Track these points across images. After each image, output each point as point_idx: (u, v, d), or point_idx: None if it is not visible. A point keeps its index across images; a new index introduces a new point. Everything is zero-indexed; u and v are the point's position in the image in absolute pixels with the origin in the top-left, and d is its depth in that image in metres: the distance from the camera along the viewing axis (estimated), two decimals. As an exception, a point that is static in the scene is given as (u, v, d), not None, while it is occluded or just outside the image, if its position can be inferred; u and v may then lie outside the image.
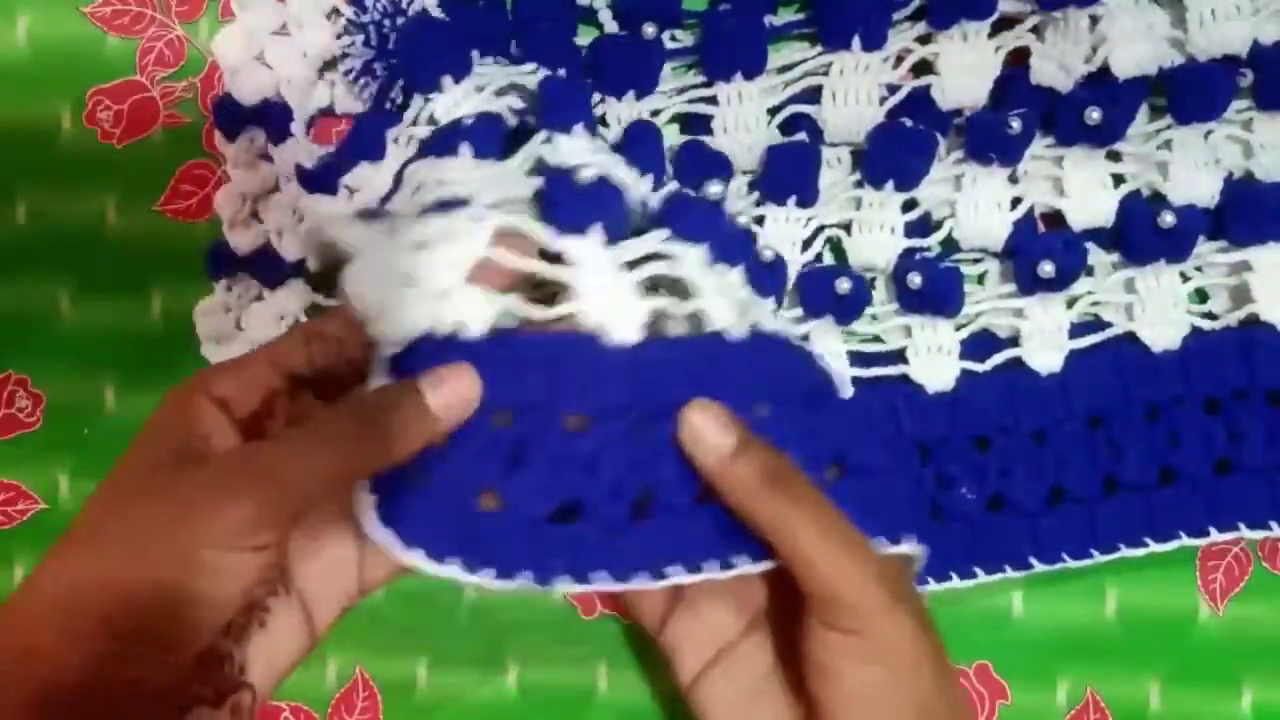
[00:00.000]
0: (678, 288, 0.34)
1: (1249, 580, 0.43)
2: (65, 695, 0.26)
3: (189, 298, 0.43)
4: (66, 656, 0.27)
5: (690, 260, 0.34)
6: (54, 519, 0.44)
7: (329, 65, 0.43)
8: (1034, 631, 0.43)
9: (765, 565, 0.32)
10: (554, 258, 0.33)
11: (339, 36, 0.42)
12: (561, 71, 0.40)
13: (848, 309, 0.41)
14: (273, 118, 0.42)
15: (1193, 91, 0.40)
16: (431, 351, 0.31)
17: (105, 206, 0.44)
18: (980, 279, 0.43)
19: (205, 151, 0.43)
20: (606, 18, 0.42)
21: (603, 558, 0.31)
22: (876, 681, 0.31)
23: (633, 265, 0.33)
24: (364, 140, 0.40)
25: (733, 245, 0.36)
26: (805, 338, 0.41)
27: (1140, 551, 0.41)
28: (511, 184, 0.35)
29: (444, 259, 0.31)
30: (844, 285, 0.40)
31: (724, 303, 0.34)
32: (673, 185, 0.38)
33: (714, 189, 0.36)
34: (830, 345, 0.41)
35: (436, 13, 0.40)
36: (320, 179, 0.40)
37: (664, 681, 0.43)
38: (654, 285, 0.34)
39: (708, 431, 0.31)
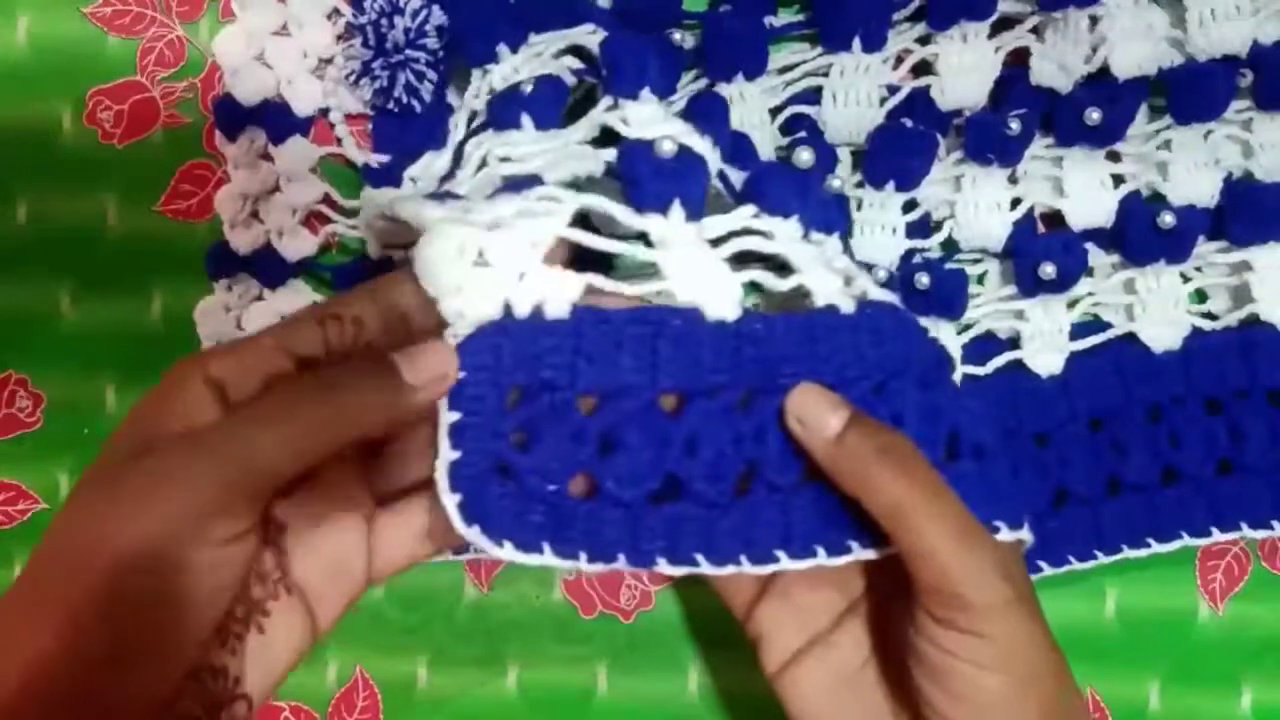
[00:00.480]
0: (773, 264, 0.32)
1: (1249, 580, 0.43)
2: None
3: (189, 298, 0.43)
4: (32, 689, 0.24)
5: (784, 234, 0.32)
6: (54, 519, 0.44)
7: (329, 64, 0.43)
8: (1034, 631, 0.43)
9: (876, 552, 0.31)
10: (635, 236, 0.31)
11: (339, 37, 0.42)
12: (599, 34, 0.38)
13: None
14: (273, 118, 0.42)
15: (1192, 92, 0.40)
16: (510, 332, 0.29)
17: (105, 207, 0.44)
18: (980, 279, 0.43)
19: (205, 152, 0.43)
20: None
21: (702, 540, 0.30)
22: (994, 688, 0.29)
23: (718, 242, 0.31)
24: (425, 131, 0.39)
25: (829, 212, 0.34)
26: None
27: (1143, 552, 0.41)
28: (580, 158, 0.33)
29: (521, 239, 0.29)
30: (879, 275, 0.40)
31: (827, 275, 0.32)
32: (759, 158, 0.36)
33: (804, 156, 0.34)
34: None
35: None
36: (383, 175, 0.40)
37: (664, 682, 0.43)
38: (745, 262, 0.32)
39: (816, 411, 0.30)
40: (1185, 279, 0.42)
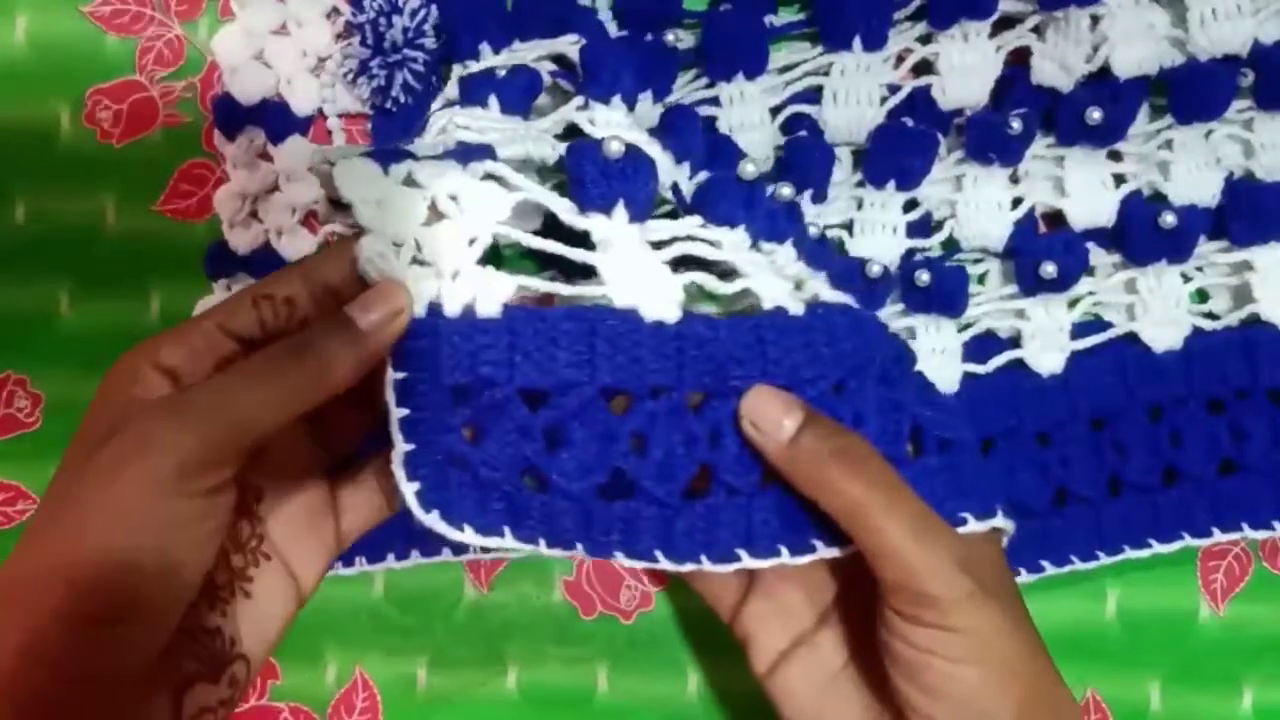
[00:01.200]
0: (719, 270, 0.33)
1: (1250, 580, 0.43)
2: (37, 691, 0.25)
3: (188, 297, 0.43)
4: (31, 654, 0.26)
5: (730, 243, 0.33)
6: (53, 519, 0.44)
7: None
8: (1034, 632, 0.43)
9: (840, 551, 0.31)
10: (577, 235, 0.32)
11: (338, 36, 0.42)
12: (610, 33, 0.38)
13: (878, 297, 0.41)
14: (272, 117, 0.42)
15: (1194, 91, 0.40)
16: (443, 331, 0.30)
17: (104, 206, 0.44)
18: (981, 279, 0.43)
19: (204, 151, 0.43)
20: (607, 18, 0.42)
21: (659, 538, 0.31)
22: (969, 680, 0.29)
23: (662, 245, 0.32)
24: (410, 123, 0.39)
25: (778, 222, 0.34)
26: None
27: (1144, 553, 0.41)
28: (536, 143, 0.33)
29: (457, 236, 0.30)
30: (875, 269, 0.40)
31: (775, 280, 0.32)
32: (704, 173, 0.36)
33: (749, 169, 0.34)
34: None
35: None
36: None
37: (664, 682, 0.43)
38: (690, 266, 0.33)
39: (770, 414, 0.30)
40: (1186, 279, 0.42)
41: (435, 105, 0.38)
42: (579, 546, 0.30)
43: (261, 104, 0.42)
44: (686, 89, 0.42)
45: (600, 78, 0.35)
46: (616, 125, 0.34)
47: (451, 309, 0.30)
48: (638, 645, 0.43)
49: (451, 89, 0.38)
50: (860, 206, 0.42)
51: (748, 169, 0.33)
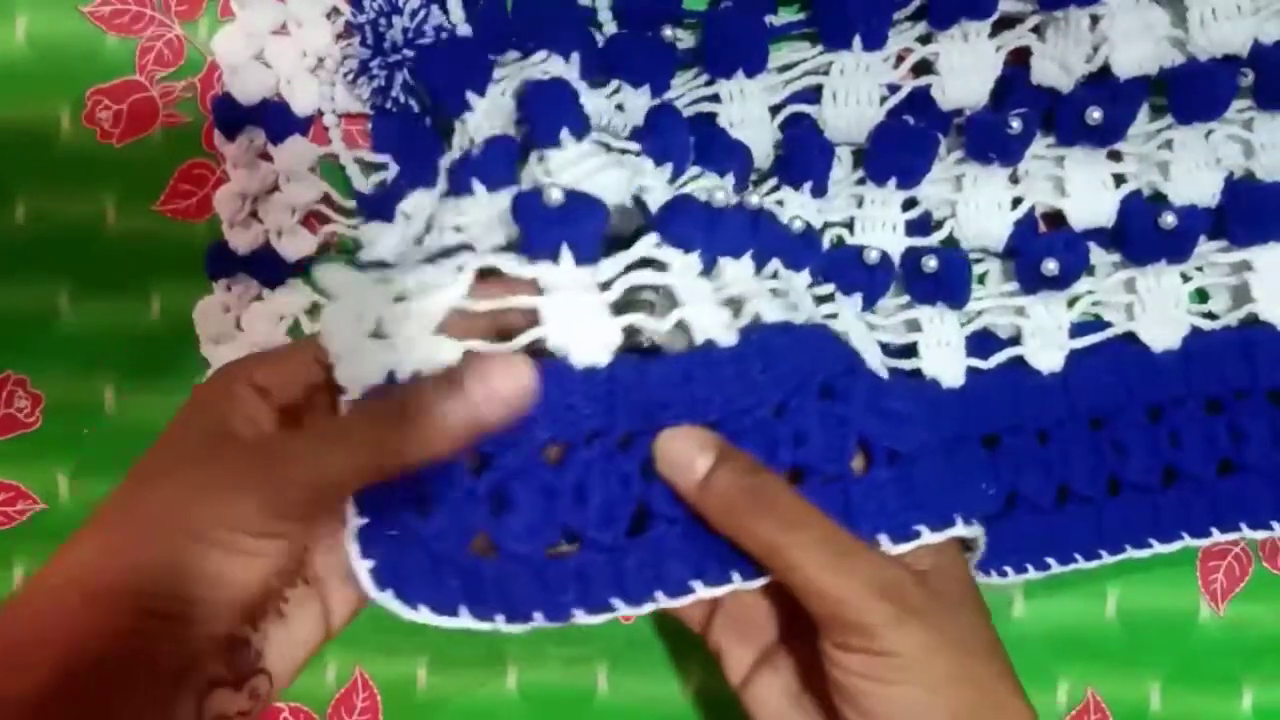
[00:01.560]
0: (665, 293, 0.33)
1: (1250, 580, 0.43)
2: (81, 671, 0.26)
3: (189, 298, 0.43)
4: (84, 633, 0.27)
5: (681, 265, 0.33)
6: (54, 519, 0.44)
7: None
8: (1034, 631, 0.43)
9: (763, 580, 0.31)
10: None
11: (339, 36, 0.42)
12: (551, 64, 0.38)
13: (878, 285, 0.41)
14: (272, 117, 0.42)
15: (1194, 91, 0.40)
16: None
17: (105, 206, 0.44)
18: (981, 279, 0.43)
19: (205, 151, 0.43)
20: (607, 18, 0.42)
21: (613, 583, 0.31)
22: (899, 702, 0.29)
23: (609, 284, 0.32)
24: (417, 167, 0.39)
25: (740, 235, 0.34)
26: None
27: (1145, 552, 0.41)
28: (508, 224, 0.33)
29: (419, 310, 0.30)
30: (873, 255, 0.40)
31: (709, 309, 0.32)
32: (667, 191, 0.36)
33: (718, 196, 0.34)
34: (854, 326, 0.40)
35: (460, 20, 0.40)
36: (378, 205, 0.39)
37: (664, 682, 0.43)
38: (643, 300, 0.33)
39: (682, 455, 0.30)
40: (1186, 278, 0.42)
41: (444, 161, 0.38)
42: (537, 616, 0.30)
43: (261, 104, 0.42)
44: (687, 86, 0.42)
45: (540, 123, 0.35)
46: (572, 163, 0.35)
47: (402, 376, 0.30)
48: (637, 645, 0.43)
49: (456, 149, 0.38)
50: (861, 204, 0.42)
51: (717, 196, 0.33)
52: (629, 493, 0.31)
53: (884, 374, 0.37)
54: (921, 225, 0.42)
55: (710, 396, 0.31)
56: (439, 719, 0.43)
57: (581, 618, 0.31)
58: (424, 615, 0.30)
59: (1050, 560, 0.41)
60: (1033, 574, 0.41)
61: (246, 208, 0.43)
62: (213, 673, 0.29)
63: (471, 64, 0.38)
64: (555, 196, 0.31)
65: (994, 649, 0.31)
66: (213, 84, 0.43)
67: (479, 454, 0.30)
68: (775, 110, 0.42)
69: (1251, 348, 0.41)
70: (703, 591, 0.31)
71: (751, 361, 0.32)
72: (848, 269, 0.41)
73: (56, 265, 0.44)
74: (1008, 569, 0.41)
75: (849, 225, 0.42)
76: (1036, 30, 0.41)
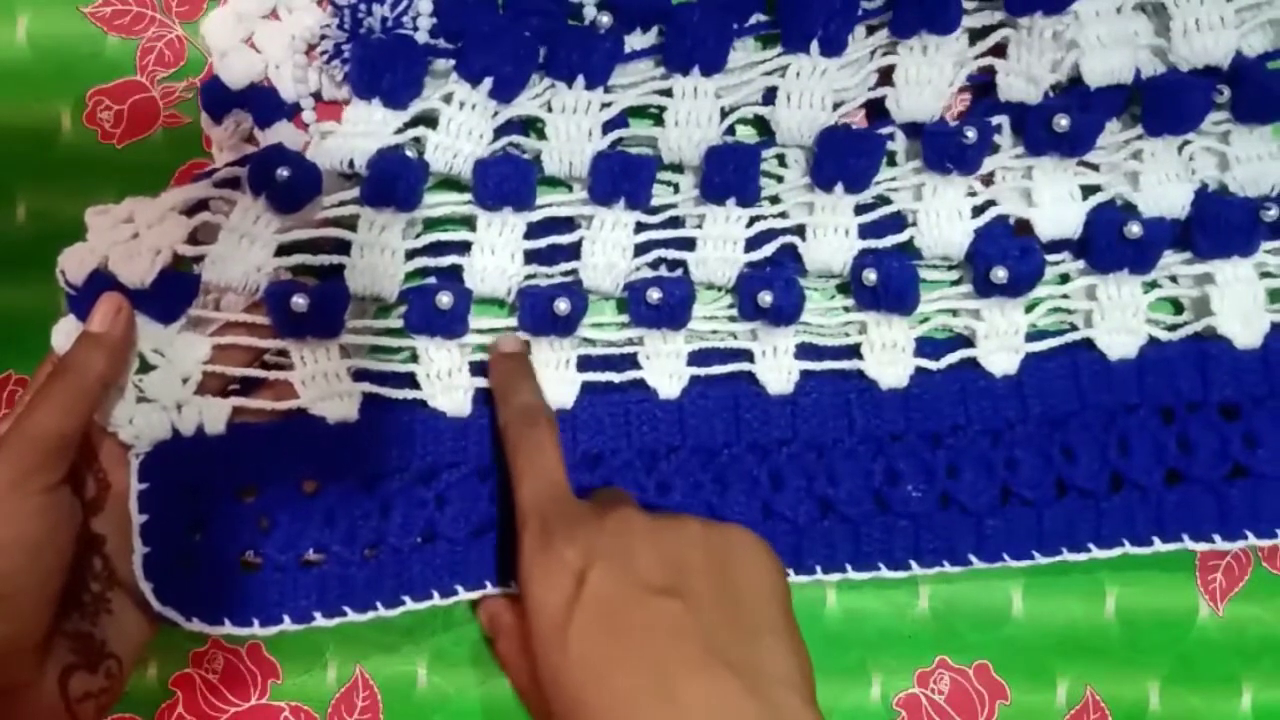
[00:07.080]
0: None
1: (1249, 580, 0.43)
2: None
3: (189, 298, 0.43)
4: None
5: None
6: (54, 519, 0.44)
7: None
8: (1034, 631, 0.43)
9: (487, 591, 0.40)
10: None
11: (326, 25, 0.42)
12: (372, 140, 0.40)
13: (570, 324, 0.41)
14: (260, 102, 0.42)
15: (1165, 104, 0.40)
16: (177, 449, 0.39)
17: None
18: (955, 283, 0.43)
19: (205, 151, 0.43)
20: (592, 14, 0.42)
21: (345, 593, 0.39)
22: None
23: (350, 353, 0.40)
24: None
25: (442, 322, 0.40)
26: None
27: (1081, 556, 0.41)
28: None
29: (171, 376, 0.38)
30: (562, 306, 0.40)
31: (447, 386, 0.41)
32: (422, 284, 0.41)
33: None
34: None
35: (426, 11, 0.41)
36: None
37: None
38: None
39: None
40: (1155, 286, 0.42)
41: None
42: (285, 619, 0.39)
43: (250, 88, 0.42)
44: (641, 75, 0.41)
45: (293, 194, 0.39)
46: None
47: (186, 431, 0.39)
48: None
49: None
50: (812, 211, 0.41)
51: (442, 299, 0.40)
52: (367, 524, 0.39)
53: (569, 401, 0.42)
54: (895, 223, 0.42)
55: (425, 456, 0.41)
56: (439, 719, 0.43)
57: (322, 621, 0.39)
58: (196, 625, 0.38)
59: (972, 557, 0.41)
60: (948, 568, 0.41)
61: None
62: (67, 659, 0.36)
63: (401, 77, 0.40)
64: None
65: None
66: (214, 84, 0.43)
67: (247, 487, 0.39)
68: (730, 111, 0.41)
69: (1205, 361, 0.41)
70: (410, 605, 0.40)
71: (470, 429, 0.41)
72: (538, 312, 0.41)
73: (57, 265, 0.44)
74: (944, 562, 0.41)
75: (799, 232, 0.42)
76: (1000, 49, 0.41)
